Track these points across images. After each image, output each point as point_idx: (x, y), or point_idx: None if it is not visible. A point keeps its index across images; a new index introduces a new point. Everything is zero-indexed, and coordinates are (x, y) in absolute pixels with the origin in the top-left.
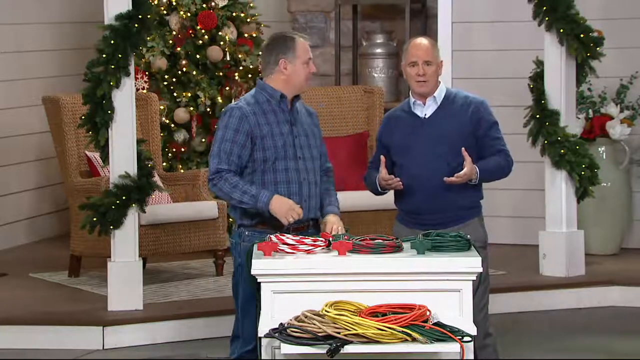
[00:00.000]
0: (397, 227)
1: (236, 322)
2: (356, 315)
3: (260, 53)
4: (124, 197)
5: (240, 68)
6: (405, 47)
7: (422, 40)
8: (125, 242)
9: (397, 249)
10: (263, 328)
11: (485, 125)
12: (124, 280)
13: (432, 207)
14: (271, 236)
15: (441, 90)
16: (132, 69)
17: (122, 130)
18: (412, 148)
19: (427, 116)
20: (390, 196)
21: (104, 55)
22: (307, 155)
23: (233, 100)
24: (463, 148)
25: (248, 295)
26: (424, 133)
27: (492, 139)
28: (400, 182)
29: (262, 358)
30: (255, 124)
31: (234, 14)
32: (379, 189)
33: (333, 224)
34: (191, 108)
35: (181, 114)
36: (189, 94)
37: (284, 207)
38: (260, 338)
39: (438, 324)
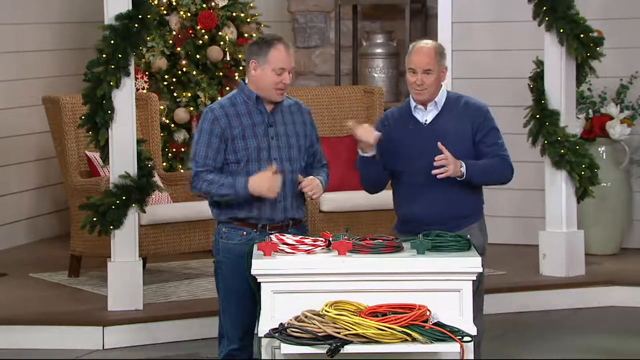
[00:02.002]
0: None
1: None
2: (356, 315)
3: None
4: (124, 197)
5: (240, 68)
6: (410, 50)
7: (426, 46)
8: (125, 242)
9: (397, 249)
10: (263, 328)
11: (483, 130)
12: (124, 280)
13: (431, 216)
14: (271, 236)
15: (442, 94)
16: (132, 69)
17: (122, 130)
18: (412, 154)
19: (427, 122)
20: (390, 195)
21: (104, 55)
22: (284, 157)
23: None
24: (439, 142)
25: (228, 293)
26: (424, 139)
27: (489, 144)
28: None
29: (262, 358)
30: (226, 126)
31: (234, 14)
32: (362, 153)
33: (312, 180)
34: (191, 108)
35: (181, 114)
36: (189, 94)
37: (263, 184)
38: (260, 338)
39: (438, 324)
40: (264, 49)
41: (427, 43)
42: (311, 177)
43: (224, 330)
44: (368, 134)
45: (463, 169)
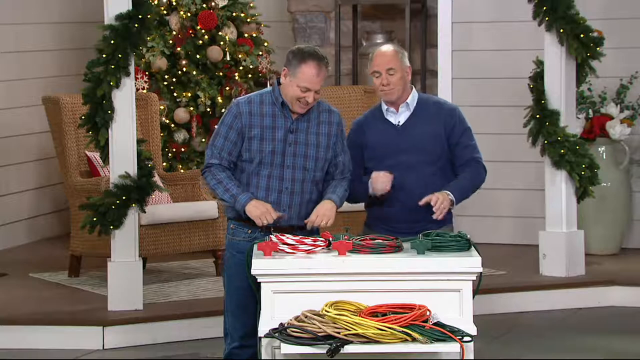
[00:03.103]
0: (367, 232)
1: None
2: (356, 315)
3: (260, 53)
4: (124, 197)
5: (240, 68)
6: (370, 57)
7: (384, 49)
8: (125, 242)
9: (397, 249)
10: (263, 328)
11: (458, 132)
12: (124, 280)
13: (406, 217)
14: (271, 236)
15: (413, 96)
16: (132, 69)
17: (122, 130)
18: (387, 156)
19: (400, 123)
20: None
21: (104, 55)
22: (299, 165)
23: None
24: (420, 202)
25: (231, 290)
26: (399, 141)
27: (464, 146)
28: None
29: (262, 358)
30: (246, 124)
31: (234, 14)
32: (370, 192)
33: (317, 210)
34: (191, 108)
35: (181, 114)
36: (189, 94)
37: (258, 210)
38: (260, 338)
39: (438, 324)
40: (297, 61)
41: (386, 46)
42: (318, 206)
43: (227, 328)
44: (385, 184)
45: (451, 197)
